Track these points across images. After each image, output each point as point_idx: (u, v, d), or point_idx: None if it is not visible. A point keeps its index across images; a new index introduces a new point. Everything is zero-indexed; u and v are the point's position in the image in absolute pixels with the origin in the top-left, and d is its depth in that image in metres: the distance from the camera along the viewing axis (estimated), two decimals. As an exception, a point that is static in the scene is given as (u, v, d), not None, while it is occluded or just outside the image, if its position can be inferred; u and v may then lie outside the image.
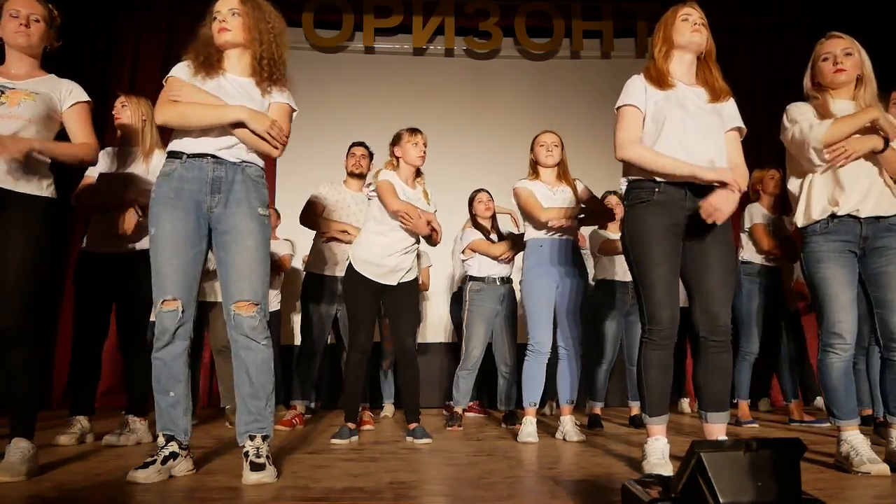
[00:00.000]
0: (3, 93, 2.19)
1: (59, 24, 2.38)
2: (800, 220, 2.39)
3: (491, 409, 4.80)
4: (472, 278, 4.01)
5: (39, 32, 2.29)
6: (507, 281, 4.02)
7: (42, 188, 2.21)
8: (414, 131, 3.19)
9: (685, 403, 4.91)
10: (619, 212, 4.08)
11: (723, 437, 2.22)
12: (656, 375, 2.21)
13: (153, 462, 2.01)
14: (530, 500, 1.76)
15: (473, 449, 2.83)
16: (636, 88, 2.28)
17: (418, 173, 3.25)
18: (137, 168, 3.04)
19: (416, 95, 5.93)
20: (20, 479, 1.99)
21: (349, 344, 3.23)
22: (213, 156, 2.12)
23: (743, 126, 2.34)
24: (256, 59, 2.18)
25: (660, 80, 2.26)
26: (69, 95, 2.33)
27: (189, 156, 2.12)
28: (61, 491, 1.86)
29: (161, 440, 2.09)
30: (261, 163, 2.22)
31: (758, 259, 3.92)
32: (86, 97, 2.37)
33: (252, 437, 2.07)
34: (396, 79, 6.01)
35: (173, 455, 2.06)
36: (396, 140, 3.20)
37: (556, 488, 1.92)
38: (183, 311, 2.08)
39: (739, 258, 3.99)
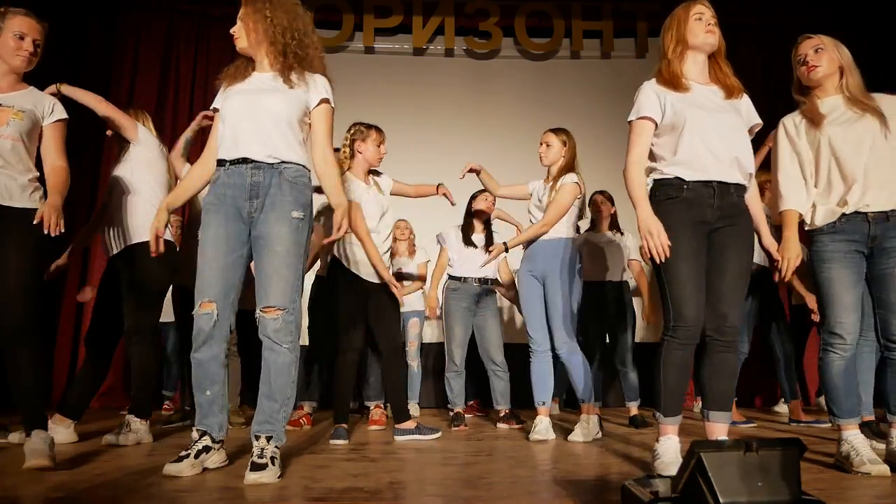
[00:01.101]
0: None
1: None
2: (806, 224, 2.39)
3: (489, 409, 4.80)
4: (450, 277, 4.03)
5: (38, 57, 2.42)
6: (485, 282, 4.03)
7: (35, 200, 2.33)
8: (379, 133, 3.24)
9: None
10: (607, 210, 4.09)
11: (724, 436, 2.21)
12: (676, 376, 2.18)
13: (187, 456, 2.08)
14: (530, 500, 1.75)
15: (473, 449, 2.83)
16: (648, 98, 2.24)
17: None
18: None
19: (416, 95, 5.93)
20: (51, 463, 2.15)
21: (342, 345, 3.18)
22: (252, 161, 2.17)
23: (760, 121, 2.34)
24: (270, 54, 2.25)
25: (674, 82, 2.23)
26: (51, 113, 2.43)
27: (231, 163, 2.19)
28: (61, 491, 1.86)
29: (195, 434, 2.17)
30: (302, 161, 2.25)
31: (755, 258, 3.91)
32: (65, 115, 2.47)
33: (258, 438, 2.11)
34: (396, 79, 6.00)
35: (206, 449, 2.14)
36: (361, 135, 3.20)
37: (556, 488, 1.92)
38: (218, 314, 2.14)
39: None
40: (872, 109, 2.30)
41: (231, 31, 2.28)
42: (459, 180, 3.54)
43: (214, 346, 2.16)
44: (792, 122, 2.43)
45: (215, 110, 2.33)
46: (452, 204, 3.55)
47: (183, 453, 2.11)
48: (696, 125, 2.17)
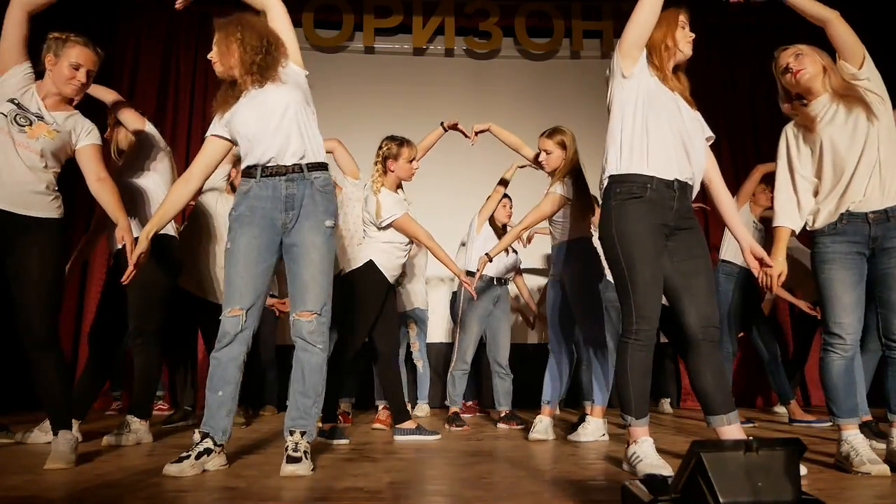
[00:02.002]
0: (31, 123, 2.36)
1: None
2: (808, 226, 2.41)
3: (488, 409, 4.80)
4: (471, 274, 4.00)
5: (89, 86, 2.50)
6: (503, 283, 4.04)
7: (53, 210, 2.40)
8: (411, 148, 3.26)
9: (666, 403, 4.93)
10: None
11: (743, 435, 2.18)
12: (642, 377, 2.19)
13: (188, 457, 2.12)
14: (530, 500, 1.76)
15: (474, 449, 2.83)
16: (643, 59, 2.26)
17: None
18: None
19: (416, 95, 5.93)
20: (71, 466, 2.24)
21: (349, 343, 3.20)
22: (284, 170, 2.24)
23: (712, 135, 2.39)
24: (243, 74, 2.26)
25: (665, 78, 2.26)
26: (86, 136, 2.49)
27: (262, 174, 2.25)
28: (61, 490, 1.86)
29: (196, 437, 2.20)
30: (323, 156, 2.34)
31: (739, 260, 3.94)
32: (100, 140, 2.55)
33: (292, 433, 2.20)
34: (396, 79, 6.01)
35: (207, 451, 2.17)
36: (393, 155, 3.23)
37: (556, 488, 1.92)
38: (245, 320, 2.23)
39: (721, 257, 4.02)
40: (859, 101, 2.30)
41: (208, 56, 2.31)
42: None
43: (236, 348, 2.23)
44: (792, 132, 2.44)
45: (215, 136, 2.35)
46: (467, 136, 3.55)
47: (184, 454, 2.13)
48: (670, 120, 2.20)
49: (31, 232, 2.32)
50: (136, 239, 2.35)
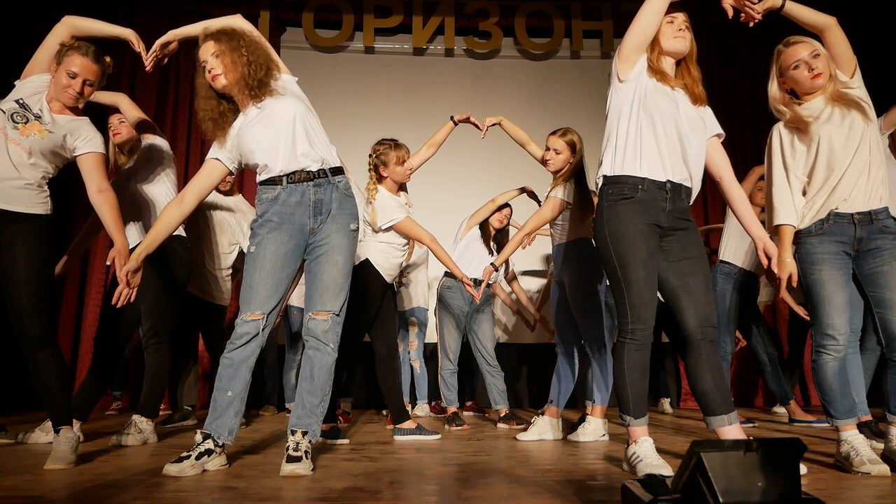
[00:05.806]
0: (27, 121, 2.34)
1: (110, 73, 2.58)
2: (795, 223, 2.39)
3: (485, 409, 4.80)
4: (447, 274, 4.01)
5: (87, 95, 2.46)
6: (479, 283, 4.03)
7: (37, 206, 2.36)
8: (399, 150, 3.24)
9: (666, 403, 4.93)
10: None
11: (742, 434, 2.19)
12: (640, 377, 2.18)
13: (188, 457, 2.11)
14: (530, 500, 1.76)
15: (473, 449, 2.83)
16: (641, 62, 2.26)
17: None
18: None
19: (416, 95, 5.94)
20: (71, 466, 2.23)
21: (343, 342, 3.19)
22: (311, 178, 2.26)
23: (722, 132, 2.36)
24: (243, 90, 2.27)
25: (663, 79, 2.25)
26: (84, 144, 2.44)
27: (289, 181, 2.25)
28: (62, 490, 1.86)
29: (198, 437, 2.19)
30: (339, 160, 2.37)
31: (737, 261, 3.93)
32: (101, 149, 2.48)
33: (293, 432, 2.21)
34: (396, 79, 6.01)
35: (208, 452, 2.17)
36: (383, 161, 3.23)
37: (556, 488, 1.92)
38: (265, 324, 2.24)
39: (720, 257, 4.02)
40: (855, 104, 2.30)
41: (209, 68, 2.26)
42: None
43: (250, 349, 2.23)
44: (785, 130, 2.41)
45: (216, 160, 2.34)
46: (479, 128, 3.55)
47: (184, 454, 2.13)
48: (666, 122, 2.19)
49: (15, 227, 2.30)
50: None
